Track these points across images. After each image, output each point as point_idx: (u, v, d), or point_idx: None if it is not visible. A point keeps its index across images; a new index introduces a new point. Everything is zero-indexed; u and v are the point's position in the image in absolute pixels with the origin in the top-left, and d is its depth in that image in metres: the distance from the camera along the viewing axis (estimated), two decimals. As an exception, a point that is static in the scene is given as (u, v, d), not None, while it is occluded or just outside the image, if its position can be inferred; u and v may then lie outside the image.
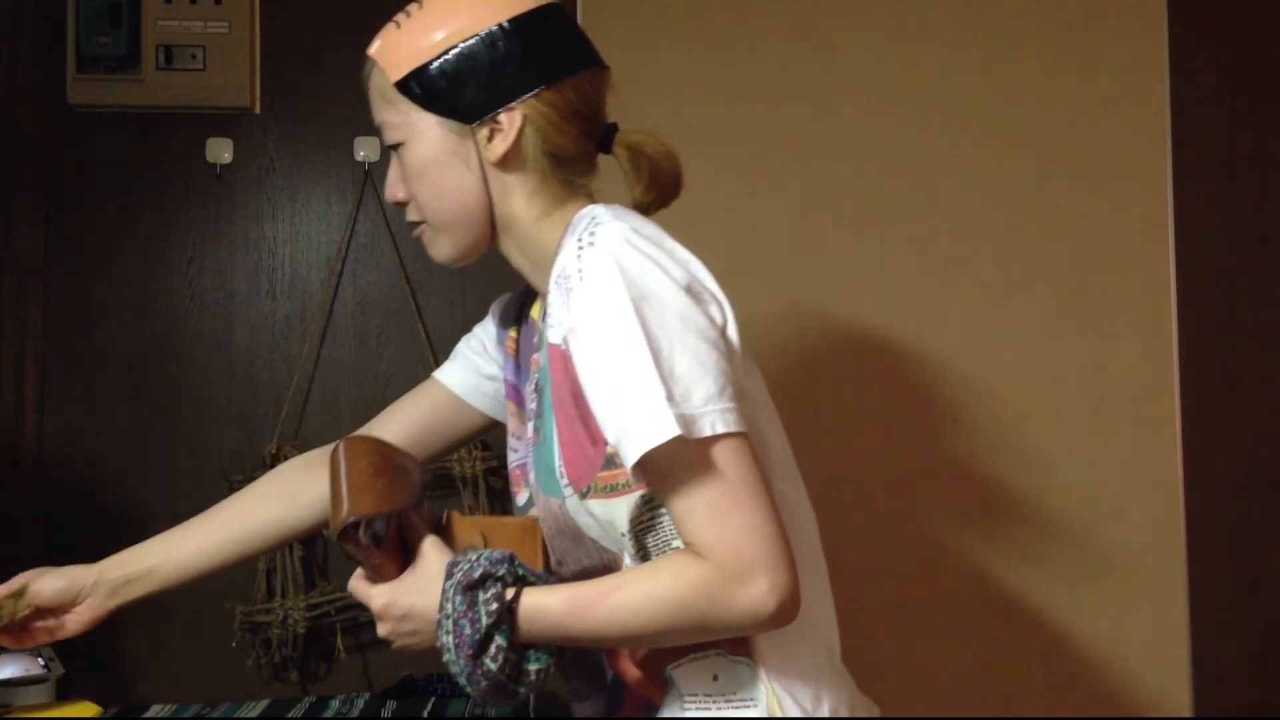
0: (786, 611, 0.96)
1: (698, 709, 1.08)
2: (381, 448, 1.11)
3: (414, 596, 1.07)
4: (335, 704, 1.76)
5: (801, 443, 1.98)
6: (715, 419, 0.97)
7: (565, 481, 1.09)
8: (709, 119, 2.03)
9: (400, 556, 1.10)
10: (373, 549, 1.08)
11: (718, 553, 0.96)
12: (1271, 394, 2.09)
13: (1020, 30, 2.06)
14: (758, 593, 0.95)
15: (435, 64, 1.12)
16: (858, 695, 1.16)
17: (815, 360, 2.02)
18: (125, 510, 2.00)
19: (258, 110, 2.04)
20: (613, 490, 1.06)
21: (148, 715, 1.87)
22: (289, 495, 1.35)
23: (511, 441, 1.24)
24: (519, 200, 1.14)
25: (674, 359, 0.97)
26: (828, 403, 2.01)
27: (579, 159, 1.15)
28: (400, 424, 1.36)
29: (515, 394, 1.25)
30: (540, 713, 1.77)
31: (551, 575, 1.13)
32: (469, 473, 1.95)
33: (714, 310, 1.04)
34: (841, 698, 1.12)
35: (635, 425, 0.96)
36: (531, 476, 1.17)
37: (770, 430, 1.14)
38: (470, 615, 1.01)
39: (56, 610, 1.33)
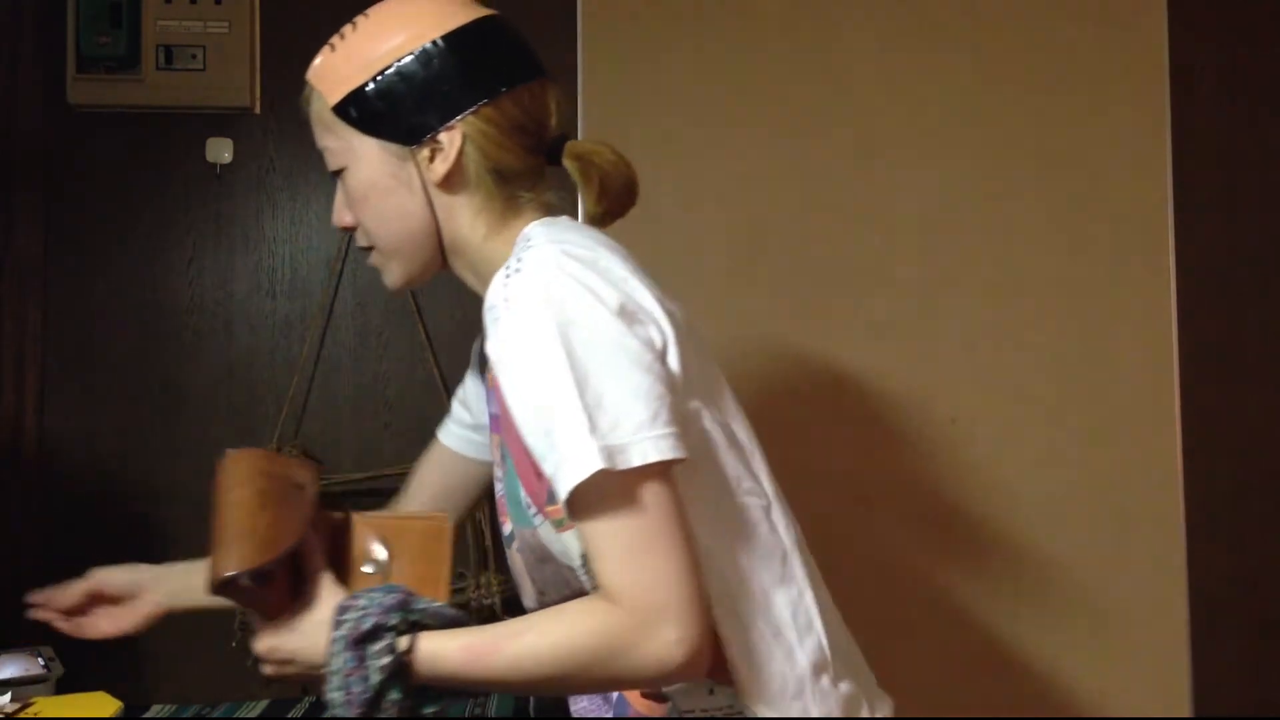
0: (694, 664, 0.93)
1: None
2: (268, 464, 1.05)
3: (298, 641, 1.03)
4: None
5: (801, 443, 1.99)
6: (646, 447, 0.93)
7: (533, 511, 1.07)
8: (709, 119, 2.03)
9: (291, 587, 1.03)
10: (256, 590, 1.01)
11: (629, 599, 0.92)
12: (1271, 394, 2.09)
13: (1020, 30, 2.06)
14: (665, 643, 0.92)
15: (370, 86, 1.09)
16: (855, 698, 1.11)
17: (815, 360, 2.02)
18: (125, 510, 2.00)
19: (258, 110, 2.04)
20: (559, 525, 1.04)
21: (148, 715, 1.87)
22: None
23: (495, 471, 1.19)
24: (465, 220, 1.11)
25: (602, 387, 0.93)
26: (827, 403, 2.01)
27: (524, 174, 1.11)
28: (423, 491, 1.37)
29: (496, 425, 1.19)
30: (540, 712, 1.77)
31: (468, 599, 1.08)
32: None
33: (652, 332, 1.00)
34: (831, 705, 1.07)
35: (563, 460, 0.93)
36: (507, 507, 1.14)
37: (734, 441, 1.08)
38: (360, 672, 0.96)
39: (118, 601, 1.36)
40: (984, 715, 1.97)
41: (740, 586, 1.04)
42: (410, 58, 1.08)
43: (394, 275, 1.16)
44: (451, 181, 1.09)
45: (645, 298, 1.02)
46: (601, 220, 1.15)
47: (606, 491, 0.93)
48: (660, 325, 1.01)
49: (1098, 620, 2.00)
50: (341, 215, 1.16)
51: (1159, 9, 2.06)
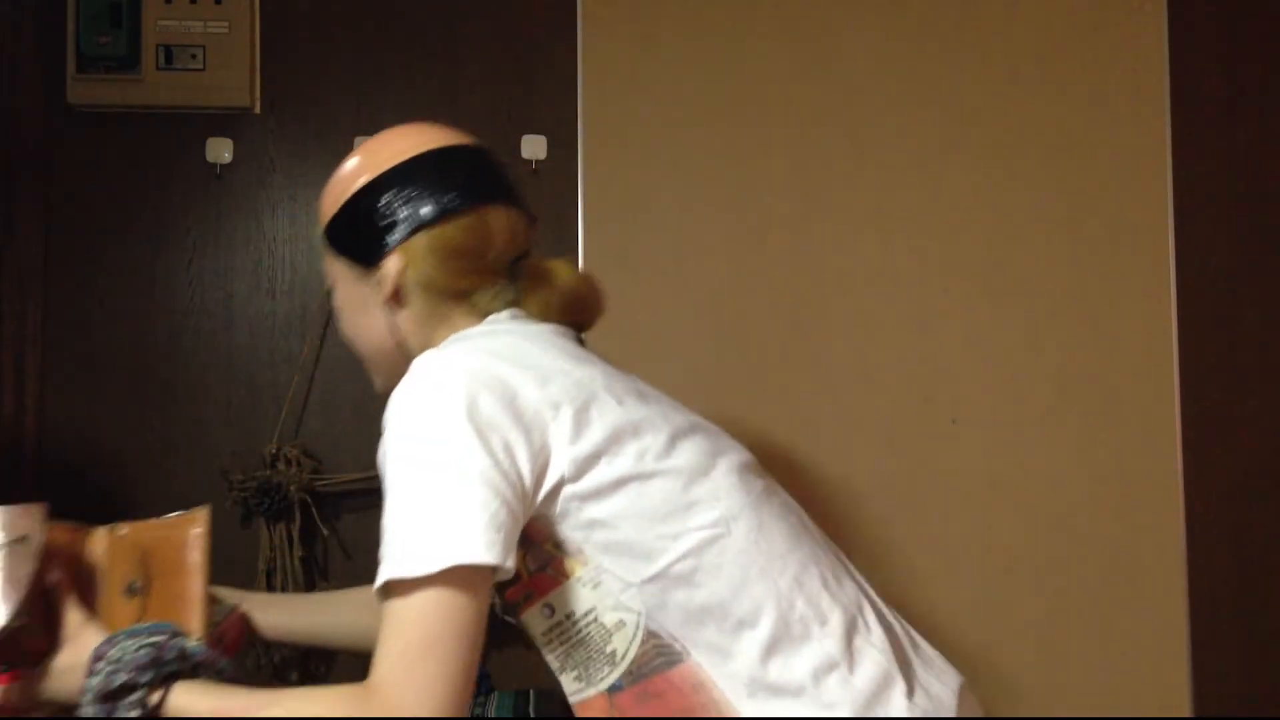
0: None
1: None
2: (3, 525, 1.03)
3: (54, 685, 1.06)
4: None
5: (801, 443, 1.99)
6: (449, 551, 0.97)
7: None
8: (709, 119, 2.03)
9: (44, 627, 1.05)
10: (6, 648, 1.03)
11: (387, 695, 0.95)
12: (1271, 394, 2.09)
13: (1020, 30, 2.06)
14: None
15: (339, 215, 1.22)
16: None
17: (815, 360, 2.02)
18: (125, 510, 1.99)
19: (258, 110, 2.04)
20: (522, 608, 1.11)
21: (148, 715, 1.87)
22: None
23: None
24: (417, 333, 1.22)
25: (422, 498, 0.99)
26: (827, 403, 2.01)
27: (469, 291, 1.20)
28: None
29: None
30: (540, 712, 1.77)
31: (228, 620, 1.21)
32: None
33: (510, 437, 1.03)
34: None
35: (395, 548, 0.99)
36: None
37: (667, 472, 1.10)
38: None
39: None
40: (983, 715, 1.97)
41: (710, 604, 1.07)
42: (364, 188, 1.21)
43: (376, 382, 1.29)
44: (396, 299, 1.21)
45: (526, 400, 1.06)
46: (575, 329, 1.24)
47: (405, 590, 0.98)
48: (529, 429, 1.05)
49: (1098, 620, 2.00)
50: (339, 328, 1.32)
51: (1159, 9, 2.06)
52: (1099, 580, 2.01)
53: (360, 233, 1.20)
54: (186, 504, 2.00)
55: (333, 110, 2.04)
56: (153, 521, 1.15)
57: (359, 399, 2.03)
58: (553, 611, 1.08)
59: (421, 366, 1.08)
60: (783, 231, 2.03)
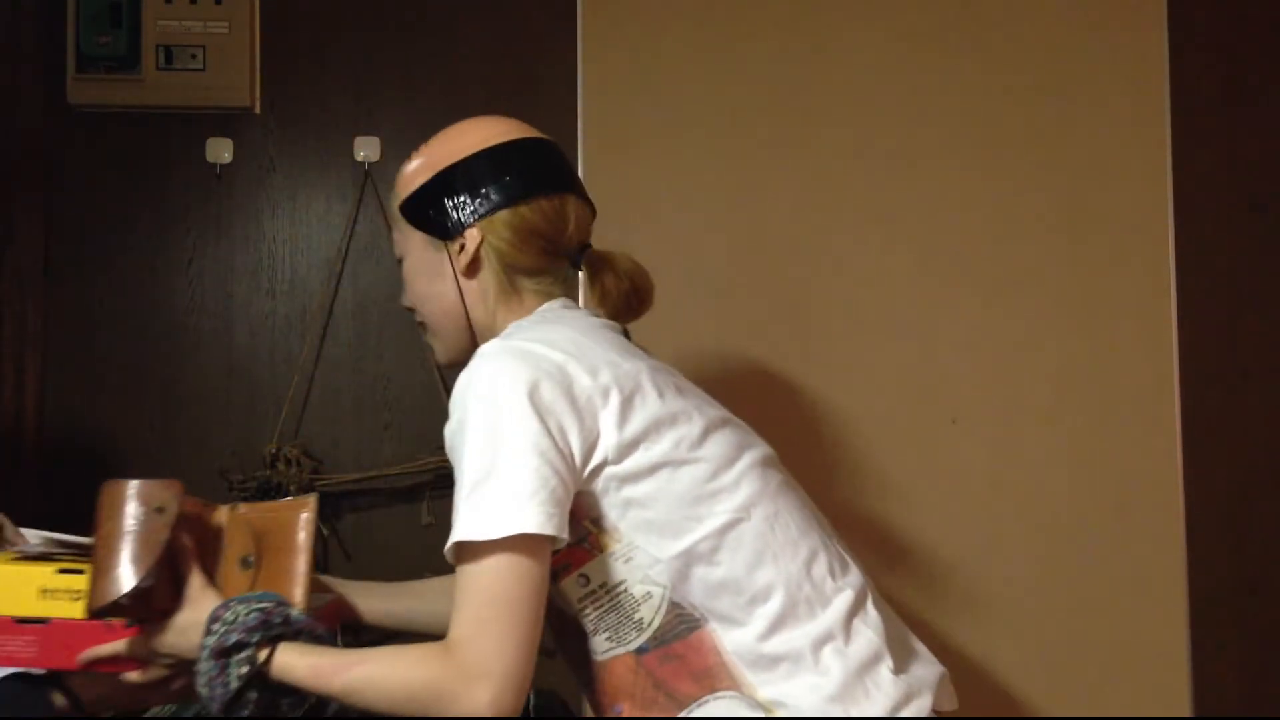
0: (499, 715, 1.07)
1: None
2: (133, 493, 1.18)
3: (173, 639, 1.18)
4: (334, 704, 1.76)
5: (801, 443, 1.99)
6: (515, 519, 1.08)
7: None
8: (709, 118, 2.03)
9: (171, 593, 1.18)
10: (132, 609, 1.16)
11: (463, 654, 1.07)
12: (1271, 394, 2.09)
13: (1020, 30, 2.05)
14: (479, 703, 1.06)
15: (421, 190, 1.32)
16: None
17: (815, 360, 2.02)
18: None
19: (258, 110, 2.04)
20: (558, 577, 1.19)
21: (148, 715, 1.87)
22: None
23: None
24: (488, 307, 1.32)
25: (491, 467, 1.10)
26: (827, 402, 2.01)
27: (537, 271, 1.32)
28: None
29: None
30: (540, 712, 1.77)
31: (325, 595, 1.38)
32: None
33: (565, 421, 1.14)
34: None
35: (462, 515, 1.10)
36: None
37: (697, 459, 1.19)
38: (222, 679, 1.12)
39: None
40: (983, 715, 1.98)
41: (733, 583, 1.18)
42: (451, 168, 1.31)
43: (438, 352, 1.40)
44: (471, 272, 1.31)
45: (579, 386, 1.16)
46: (619, 319, 1.34)
47: (476, 554, 1.09)
48: (581, 413, 1.15)
49: (1098, 620, 2.00)
50: (406, 297, 1.40)
51: (1159, 10, 2.06)
52: (1099, 580, 2.01)
53: (445, 205, 1.30)
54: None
55: (333, 110, 2.05)
56: (268, 503, 1.28)
57: (359, 399, 2.03)
58: (588, 581, 1.18)
59: (488, 353, 1.18)
60: (783, 232, 2.03)
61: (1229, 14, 2.11)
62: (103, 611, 1.14)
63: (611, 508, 1.16)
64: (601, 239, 2.04)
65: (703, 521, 1.17)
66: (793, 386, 2.01)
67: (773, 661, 1.16)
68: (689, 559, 1.16)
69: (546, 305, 1.31)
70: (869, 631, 1.20)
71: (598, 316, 1.32)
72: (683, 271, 2.01)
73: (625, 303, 1.32)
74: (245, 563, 1.22)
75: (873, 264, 2.03)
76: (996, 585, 2.01)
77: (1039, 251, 2.04)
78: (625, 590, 1.17)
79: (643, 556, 1.16)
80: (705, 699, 1.16)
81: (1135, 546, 2.01)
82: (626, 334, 1.35)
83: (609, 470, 1.16)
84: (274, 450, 1.97)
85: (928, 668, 1.26)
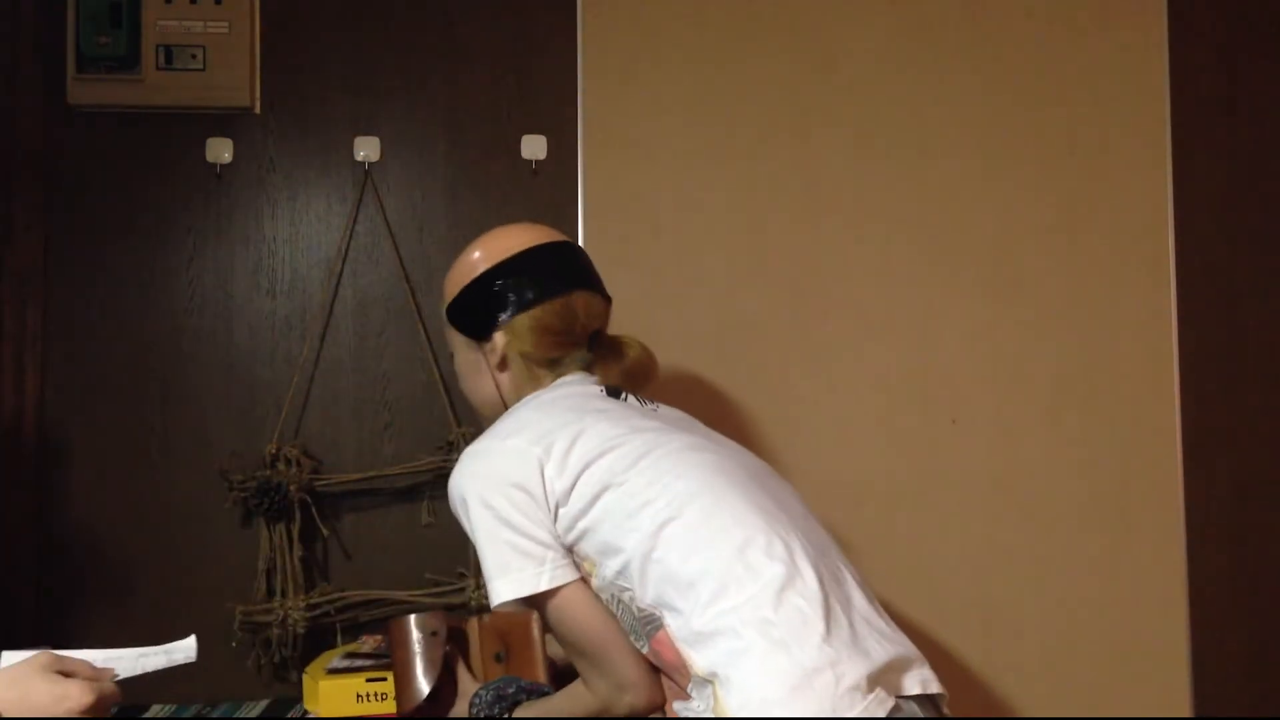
0: (652, 700, 1.34)
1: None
2: (417, 625, 1.55)
3: (457, 712, 1.53)
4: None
5: (801, 442, 1.99)
6: (513, 586, 1.36)
7: None
8: (709, 119, 2.03)
9: (450, 686, 1.56)
10: (431, 703, 1.54)
11: (589, 688, 1.37)
12: (1271, 394, 2.09)
13: (1020, 30, 2.06)
14: (626, 705, 1.34)
15: (459, 298, 1.54)
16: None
17: (815, 360, 2.02)
18: (125, 510, 2.00)
19: (258, 110, 2.04)
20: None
21: (148, 715, 1.87)
22: None
23: None
24: (518, 390, 1.53)
25: (495, 539, 1.36)
26: (828, 402, 2.01)
27: (555, 360, 1.52)
28: None
29: None
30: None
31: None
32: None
33: (519, 499, 1.36)
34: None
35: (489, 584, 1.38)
36: None
37: (646, 477, 1.35)
38: None
39: None
40: (983, 715, 1.98)
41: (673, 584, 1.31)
42: (478, 279, 1.53)
43: (485, 424, 1.54)
44: (504, 365, 1.53)
45: (521, 466, 1.37)
46: (621, 386, 1.52)
47: (547, 617, 1.39)
48: (529, 487, 1.37)
49: (1098, 620, 2.00)
50: (461, 385, 1.63)
51: (1159, 11, 2.06)
52: (1099, 580, 2.01)
53: (476, 312, 1.52)
54: (186, 504, 2.02)
55: (333, 110, 2.05)
56: (506, 612, 1.55)
57: (359, 399, 2.03)
58: (599, 598, 1.38)
59: (461, 475, 1.40)
60: (783, 231, 2.03)
61: (1229, 14, 2.11)
62: (410, 714, 1.53)
63: (577, 541, 1.35)
64: (602, 239, 2.04)
65: (639, 529, 1.31)
66: (792, 386, 2.02)
67: (706, 636, 1.24)
68: (637, 563, 1.31)
69: (565, 378, 1.51)
70: (799, 600, 1.24)
71: (591, 384, 1.50)
72: (682, 271, 2.01)
73: (624, 381, 1.52)
74: (498, 658, 1.55)
75: (873, 264, 2.03)
76: (996, 585, 2.01)
77: (1039, 252, 2.04)
78: (614, 599, 1.35)
79: (608, 572, 1.34)
80: (685, 703, 1.30)
81: (1135, 546, 2.02)
82: (616, 392, 1.50)
83: (563, 511, 1.35)
84: (274, 450, 1.97)
85: (883, 646, 1.26)
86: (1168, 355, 2.04)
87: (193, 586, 1.99)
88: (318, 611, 1.95)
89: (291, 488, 1.94)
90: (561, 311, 1.51)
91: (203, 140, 2.03)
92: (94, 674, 1.21)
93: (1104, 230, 2.04)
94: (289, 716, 1.80)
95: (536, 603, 1.38)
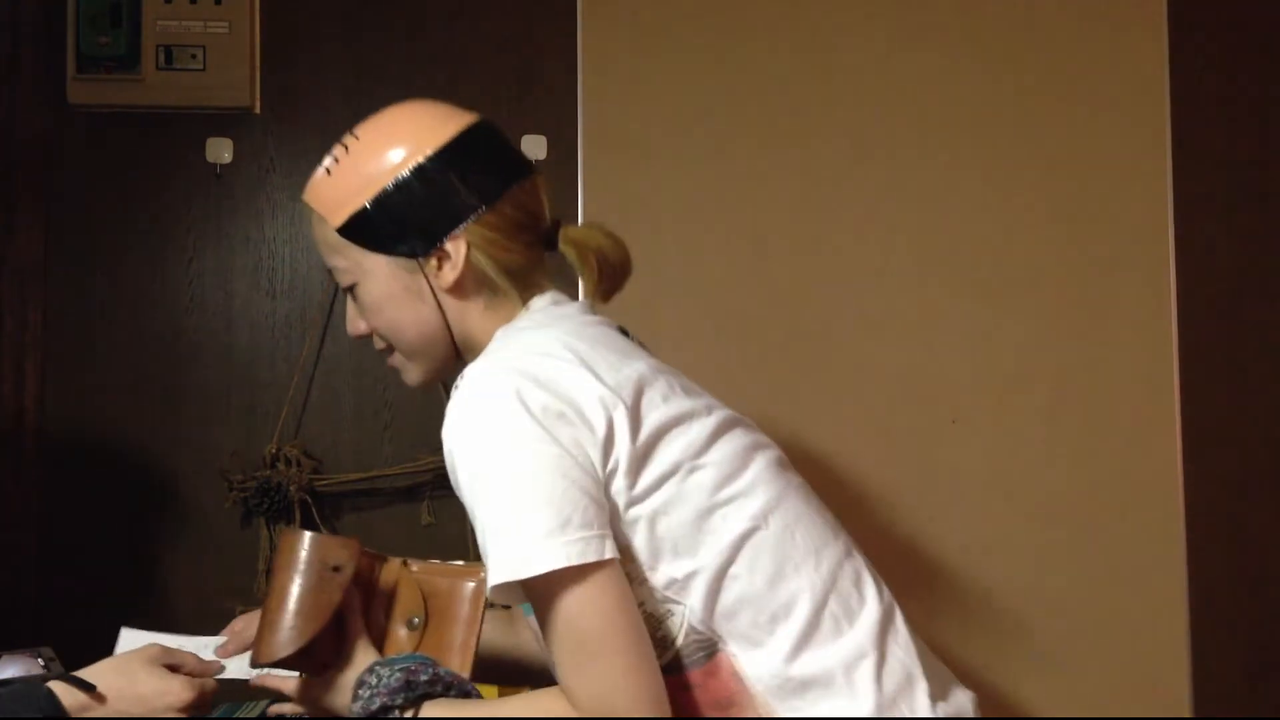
0: None
1: None
2: (309, 550, 1.16)
3: (330, 696, 1.16)
4: None
5: (801, 443, 1.99)
6: (554, 554, 0.99)
7: None
8: (709, 119, 2.03)
9: (334, 647, 1.17)
10: (297, 662, 1.16)
11: (581, 704, 1.00)
12: (1271, 394, 2.09)
13: (1020, 31, 2.05)
14: None
15: (372, 205, 1.14)
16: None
17: (815, 360, 2.02)
18: (125, 510, 2.00)
19: (258, 110, 2.04)
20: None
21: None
22: None
23: None
24: (476, 321, 1.18)
25: (516, 495, 1.02)
26: (827, 403, 2.01)
27: (527, 268, 1.18)
28: None
29: None
30: None
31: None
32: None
33: (581, 433, 1.05)
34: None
35: (488, 561, 1.02)
36: None
37: (704, 465, 1.11)
38: None
39: None
40: (983, 715, 1.97)
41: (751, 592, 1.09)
42: (408, 174, 1.14)
43: (413, 375, 1.24)
44: (461, 286, 1.16)
45: (585, 394, 1.06)
46: (602, 296, 1.21)
47: (544, 596, 1.02)
48: (592, 423, 1.05)
49: (1097, 620, 2.00)
50: (356, 324, 1.23)
51: (1159, 9, 2.06)
52: (1099, 580, 2.01)
53: (407, 222, 1.14)
54: (186, 504, 2.01)
55: (333, 110, 2.04)
56: (440, 565, 1.25)
57: (359, 399, 2.03)
58: None
59: (479, 377, 1.07)
60: (783, 232, 2.03)
61: (1229, 14, 2.11)
62: (267, 666, 1.16)
63: (623, 524, 1.06)
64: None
65: (716, 532, 1.06)
66: (792, 386, 2.01)
67: (801, 686, 1.06)
68: (703, 574, 1.06)
69: (535, 303, 1.18)
70: (900, 652, 1.11)
71: (591, 313, 1.21)
72: (683, 272, 2.01)
73: (619, 275, 1.21)
74: (411, 624, 1.20)
75: (873, 264, 2.03)
76: (996, 585, 2.01)
77: (1039, 252, 2.04)
78: (644, 609, 1.06)
79: (658, 576, 1.07)
80: None
81: (1135, 546, 2.01)
82: (625, 331, 1.25)
83: (618, 483, 1.05)
84: (274, 450, 1.97)
85: (963, 693, 1.18)
86: (1168, 355, 2.04)
87: (193, 586, 1.99)
88: (318, 611, 1.94)
89: (291, 488, 1.94)
90: (529, 200, 1.19)
91: (203, 140, 2.03)
92: (200, 668, 1.23)
93: (1104, 230, 2.04)
94: (289, 716, 1.80)
95: (548, 583, 1.00)
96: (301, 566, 1.14)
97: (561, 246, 1.20)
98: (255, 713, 1.86)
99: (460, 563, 1.27)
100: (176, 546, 2.00)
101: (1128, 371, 2.03)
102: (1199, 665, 2.01)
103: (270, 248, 2.04)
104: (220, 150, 2.03)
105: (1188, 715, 2.00)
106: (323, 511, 1.96)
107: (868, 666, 1.08)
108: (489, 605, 1.17)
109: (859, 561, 1.18)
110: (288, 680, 1.21)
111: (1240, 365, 2.08)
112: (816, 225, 2.03)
